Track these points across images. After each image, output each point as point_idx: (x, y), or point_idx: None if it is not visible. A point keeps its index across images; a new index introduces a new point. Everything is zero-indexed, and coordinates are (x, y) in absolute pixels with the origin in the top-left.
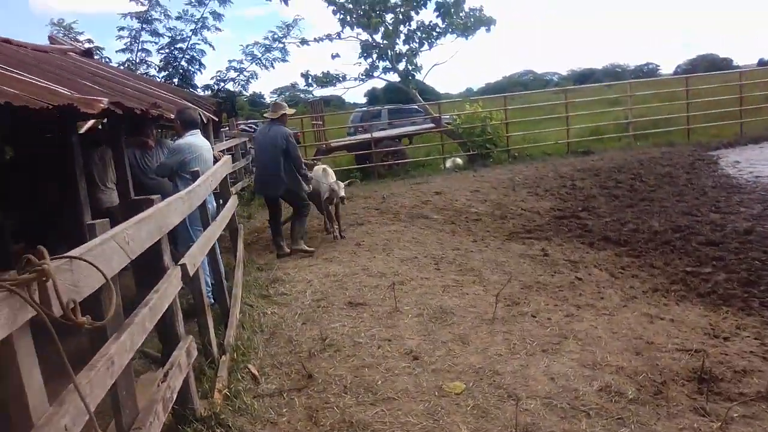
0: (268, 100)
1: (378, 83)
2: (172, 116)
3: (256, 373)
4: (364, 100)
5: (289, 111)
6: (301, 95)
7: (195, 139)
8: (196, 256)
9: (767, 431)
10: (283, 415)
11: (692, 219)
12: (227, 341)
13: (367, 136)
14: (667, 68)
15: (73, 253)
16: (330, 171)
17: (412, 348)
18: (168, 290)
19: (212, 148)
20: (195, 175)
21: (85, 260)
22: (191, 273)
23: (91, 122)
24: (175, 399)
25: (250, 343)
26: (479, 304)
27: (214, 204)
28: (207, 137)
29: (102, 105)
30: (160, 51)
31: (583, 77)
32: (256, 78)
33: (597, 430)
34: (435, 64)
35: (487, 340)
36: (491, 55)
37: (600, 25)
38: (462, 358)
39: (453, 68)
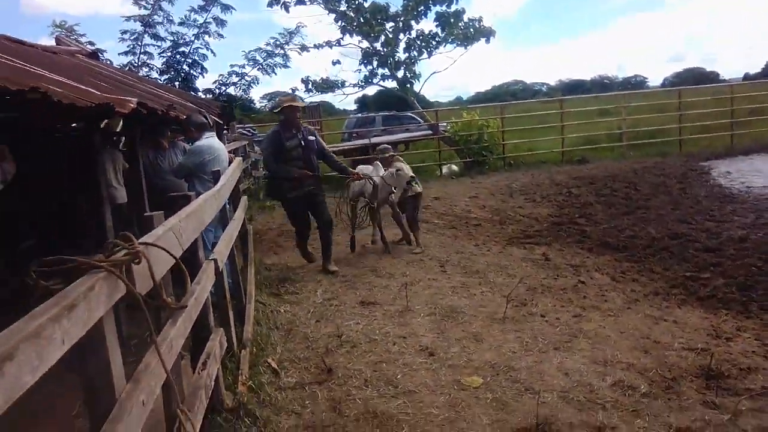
0: (258, 105)
1: (369, 90)
2: (184, 117)
3: (276, 367)
4: (354, 107)
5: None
6: None
7: (212, 141)
8: (222, 253)
9: None
10: (307, 407)
11: (688, 227)
12: (246, 336)
13: (365, 141)
14: (654, 80)
15: (146, 239)
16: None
17: (427, 345)
18: (206, 283)
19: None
20: (215, 176)
21: (160, 247)
22: (221, 268)
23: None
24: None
25: (268, 339)
26: (488, 305)
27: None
28: None
29: (132, 105)
30: (162, 54)
31: (573, 88)
32: (258, 83)
33: (614, 422)
34: (434, 72)
35: (500, 338)
36: (481, 65)
37: (588, 37)
38: (477, 355)
39: (442, 77)
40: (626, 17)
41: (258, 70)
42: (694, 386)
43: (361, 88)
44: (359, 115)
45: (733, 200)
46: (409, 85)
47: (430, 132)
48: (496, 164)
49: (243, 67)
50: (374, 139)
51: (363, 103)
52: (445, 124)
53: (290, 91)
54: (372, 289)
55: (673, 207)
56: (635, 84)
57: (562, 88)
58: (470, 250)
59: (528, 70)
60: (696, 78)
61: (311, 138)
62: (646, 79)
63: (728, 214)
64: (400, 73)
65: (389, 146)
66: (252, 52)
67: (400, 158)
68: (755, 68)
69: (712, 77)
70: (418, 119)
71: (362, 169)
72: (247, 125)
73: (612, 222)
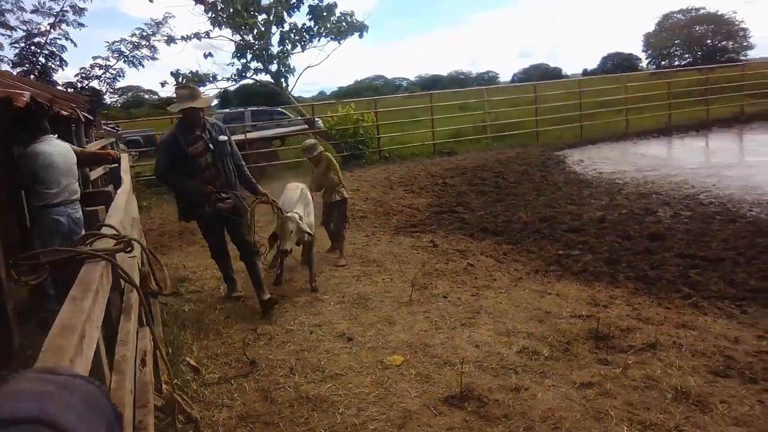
0: (108, 100)
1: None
2: (65, 113)
3: (196, 364)
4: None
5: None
6: (145, 96)
7: (44, 146)
8: None
9: (655, 371)
10: (236, 399)
11: (553, 210)
12: (158, 337)
13: (241, 137)
14: (505, 76)
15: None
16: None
17: (343, 331)
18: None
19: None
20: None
21: (137, 241)
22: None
23: None
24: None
25: (180, 338)
26: (392, 290)
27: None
28: (78, 137)
29: (25, 99)
30: (14, 45)
31: (431, 83)
32: (124, 76)
33: (526, 383)
34: (308, 66)
35: (410, 319)
36: (342, 60)
37: (444, 32)
38: (392, 336)
39: (304, 72)
40: (479, 14)
41: (124, 62)
42: (587, 347)
43: (234, 82)
44: (226, 110)
45: (588, 185)
46: (283, 79)
47: (306, 127)
48: (373, 158)
49: (107, 59)
50: (251, 135)
51: (224, 98)
52: (318, 119)
53: (161, 86)
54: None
55: (537, 193)
56: (488, 79)
57: (421, 83)
58: (361, 241)
59: (387, 65)
60: (542, 73)
61: (222, 138)
62: (498, 74)
63: (586, 198)
64: (273, 67)
65: (315, 142)
66: (117, 43)
67: (328, 155)
68: (592, 64)
69: (556, 73)
70: (289, 114)
71: (288, 196)
72: (110, 122)
73: (487, 209)
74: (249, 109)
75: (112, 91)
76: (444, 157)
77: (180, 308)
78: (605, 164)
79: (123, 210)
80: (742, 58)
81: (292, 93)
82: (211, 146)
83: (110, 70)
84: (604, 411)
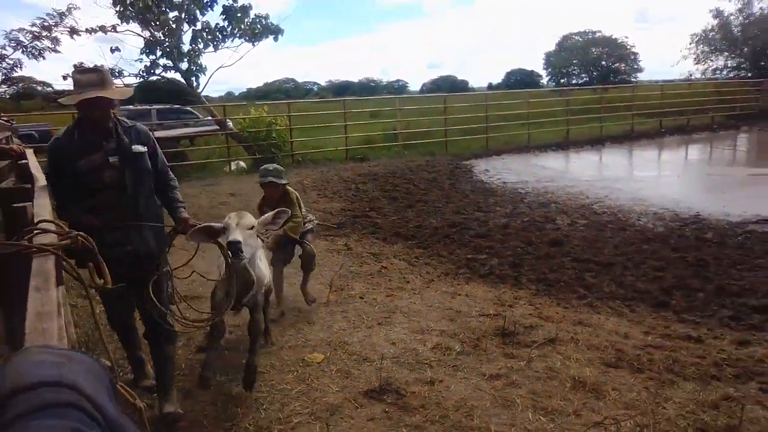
0: None
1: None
2: None
3: (114, 365)
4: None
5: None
6: (38, 87)
7: None
8: None
9: (555, 363)
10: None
11: (462, 217)
12: (72, 339)
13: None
14: (414, 85)
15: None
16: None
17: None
18: None
19: None
20: None
21: (83, 236)
22: None
23: None
24: None
25: (92, 338)
26: (310, 291)
27: None
28: None
29: None
30: None
31: (342, 89)
32: (22, 67)
33: (441, 376)
34: (220, 66)
35: (329, 318)
36: (251, 61)
37: (355, 39)
38: (312, 335)
39: (213, 72)
40: (390, 23)
41: (22, 52)
42: (495, 343)
43: (142, 79)
44: (130, 107)
45: (494, 194)
46: (194, 78)
47: (217, 127)
48: (285, 161)
49: (4, 47)
50: (159, 134)
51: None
52: (222, 119)
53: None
54: (191, 284)
55: (446, 200)
56: (399, 88)
57: (332, 89)
58: None
59: (298, 68)
60: (450, 85)
61: (138, 149)
62: (408, 83)
63: (491, 206)
64: (184, 65)
65: (275, 167)
66: (14, 32)
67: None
68: (497, 79)
69: (463, 85)
70: (197, 114)
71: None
72: (2, 114)
73: (399, 214)
74: (155, 107)
75: (10, 83)
76: (356, 162)
77: (91, 308)
78: (509, 174)
79: (49, 206)
80: (632, 79)
81: (201, 92)
82: (112, 159)
83: (6, 60)
84: (511, 399)
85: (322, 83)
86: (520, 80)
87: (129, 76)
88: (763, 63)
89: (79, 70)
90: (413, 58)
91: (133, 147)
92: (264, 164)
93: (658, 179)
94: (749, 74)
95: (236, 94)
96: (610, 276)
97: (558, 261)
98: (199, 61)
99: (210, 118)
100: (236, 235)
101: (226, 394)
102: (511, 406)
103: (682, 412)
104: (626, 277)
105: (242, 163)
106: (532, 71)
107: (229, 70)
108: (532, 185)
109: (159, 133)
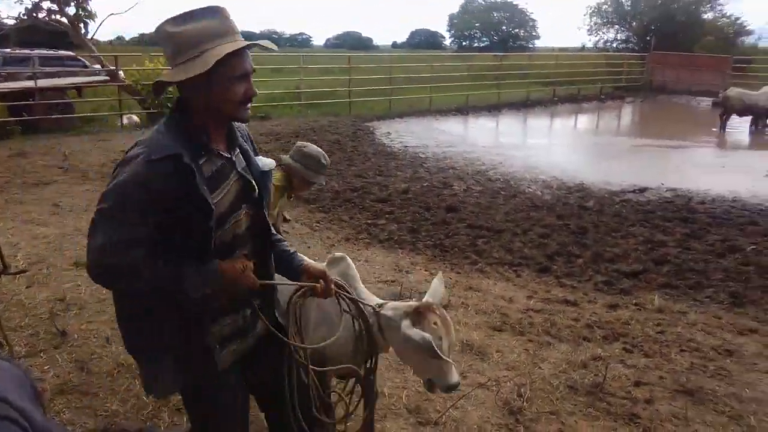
0: None
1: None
2: None
3: None
4: None
5: None
6: None
7: None
8: None
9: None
10: (49, 371)
11: (363, 180)
12: None
13: (30, 84)
14: (318, 40)
15: None
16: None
17: None
18: None
19: None
20: None
21: None
22: None
23: None
24: None
25: None
26: None
27: None
28: None
29: None
30: None
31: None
32: None
33: None
34: (111, 14)
35: None
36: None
37: None
38: None
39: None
40: None
41: None
42: None
43: (23, 22)
44: (7, 51)
45: (395, 157)
46: (82, 25)
47: (108, 78)
48: None
49: None
50: (42, 83)
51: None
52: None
53: None
54: (84, 249)
55: (349, 163)
56: (302, 42)
57: None
58: None
59: None
60: (354, 42)
61: (267, 164)
62: (311, 37)
63: (392, 170)
64: (71, 10)
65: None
66: None
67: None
68: (401, 38)
69: (367, 43)
70: (85, 61)
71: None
72: None
73: None
74: (36, 52)
75: None
76: (258, 121)
77: None
78: (410, 138)
79: None
80: (530, 45)
81: (89, 37)
82: (249, 188)
83: None
84: (401, 364)
85: None
86: (423, 40)
87: (7, 18)
88: (649, 38)
89: (187, 14)
90: (317, 12)
91: (258, 161)
92: (159, 117)
93: (549, 147)
94: (636, 48)
95: (127, 38)
96: (500, 242)
97: (453, 227)
98: (87, 7)
99: (99, 67)
100: (456, 376)
101: (123, 365)
102: (403, 369)
103: (556, 371)
104: (514, 244)
105: (135, 117)
106: (436, 32)
107: (123, 18)
108: (432, 150)
109: (43, 83)
